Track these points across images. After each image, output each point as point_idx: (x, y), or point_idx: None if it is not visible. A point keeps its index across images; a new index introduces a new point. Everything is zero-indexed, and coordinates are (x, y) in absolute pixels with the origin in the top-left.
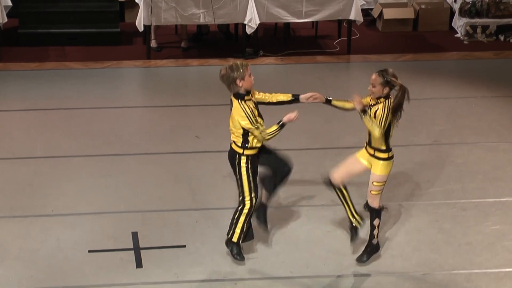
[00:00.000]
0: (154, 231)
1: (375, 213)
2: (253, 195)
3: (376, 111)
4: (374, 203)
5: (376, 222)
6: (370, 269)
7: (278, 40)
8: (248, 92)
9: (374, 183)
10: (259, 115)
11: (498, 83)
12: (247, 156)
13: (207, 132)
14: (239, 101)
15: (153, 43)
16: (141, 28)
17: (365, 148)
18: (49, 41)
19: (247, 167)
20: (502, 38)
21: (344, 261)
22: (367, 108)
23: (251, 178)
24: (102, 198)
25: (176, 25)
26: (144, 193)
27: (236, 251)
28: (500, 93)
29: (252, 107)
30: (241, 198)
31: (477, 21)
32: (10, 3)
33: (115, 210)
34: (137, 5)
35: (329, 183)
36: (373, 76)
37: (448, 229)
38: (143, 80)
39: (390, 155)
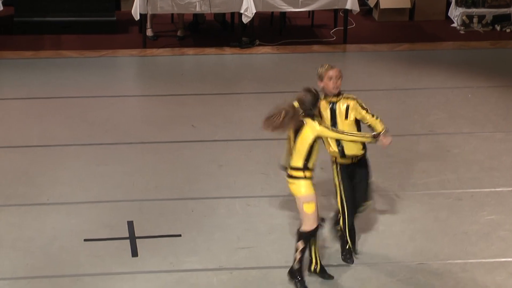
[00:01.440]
0: (150, 220)
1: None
2: (344, 205)
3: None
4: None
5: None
6: (366, 259)
7: (274, 29)
8: (328, 96)
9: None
10: (333, 123)
11: (494, 73)
12: (336, 164)
13: (203, 121)
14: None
15: (149, 32)
16: (137, 17)
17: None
18: (45, 29)
19: (337, 174)
20: (498, 28)
21: (339, 251)
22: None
23: (341, 186)
24: (98, 187)
25: (172, 14)
26: (140, 182)
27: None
28: (496, 83)
29: (321, 110)
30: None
31: (474, 11)
32: None
33: (111, 199)
34: None
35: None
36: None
37: (443, 219)
38: (139, 69)
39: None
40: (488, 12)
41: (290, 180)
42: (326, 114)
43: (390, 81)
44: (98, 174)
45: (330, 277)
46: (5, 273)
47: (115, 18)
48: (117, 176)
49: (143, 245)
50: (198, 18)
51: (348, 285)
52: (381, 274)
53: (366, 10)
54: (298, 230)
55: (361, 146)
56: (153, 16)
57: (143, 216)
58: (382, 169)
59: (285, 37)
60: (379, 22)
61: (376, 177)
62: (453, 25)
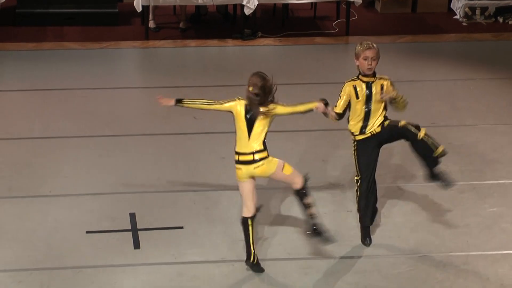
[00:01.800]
0: (152, 212)
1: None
2: (356, 178)
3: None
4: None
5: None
6: (368, 251)
7: (276, 21)
8: (365, 75)
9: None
10: (367, 102)
11: (496, 65)
12: (355, 141)
13: (205, 113)
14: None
15: (151, 24)
16: (139, 9)
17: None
18: (47, 21)
19: (354, 152)
20: (501, 19)
21: (341, 242)
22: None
23: (356, 162)
24: (100, 179)
25: (174, 6)
26: (142, 174)
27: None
28: (498, 75)
29: (349, 90)
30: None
31: (476, 2)
32: None
33: (113, 191)
34: None
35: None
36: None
37: (445, 211)
38: (141, 60)
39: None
40: (491, 4)
41: (257, 164)
42: (362, 93)
43: (392, 73)
44: (100, 166)
45: (261, 269)
46: (7, 264)
47: (117, 10)
48: (119, 168)
49: (145, 237)
50: (200, 9)
51: (349, 277)
52: (382, 267)
53: (368, 1)
54: (297, 191)
55: (379, 122)
56: (155, 7)
57: (145, 208)
58: (384, 160)
59: (287, 29)
60: (382, 14)
61: (378, 169)
62: (455, 17)
